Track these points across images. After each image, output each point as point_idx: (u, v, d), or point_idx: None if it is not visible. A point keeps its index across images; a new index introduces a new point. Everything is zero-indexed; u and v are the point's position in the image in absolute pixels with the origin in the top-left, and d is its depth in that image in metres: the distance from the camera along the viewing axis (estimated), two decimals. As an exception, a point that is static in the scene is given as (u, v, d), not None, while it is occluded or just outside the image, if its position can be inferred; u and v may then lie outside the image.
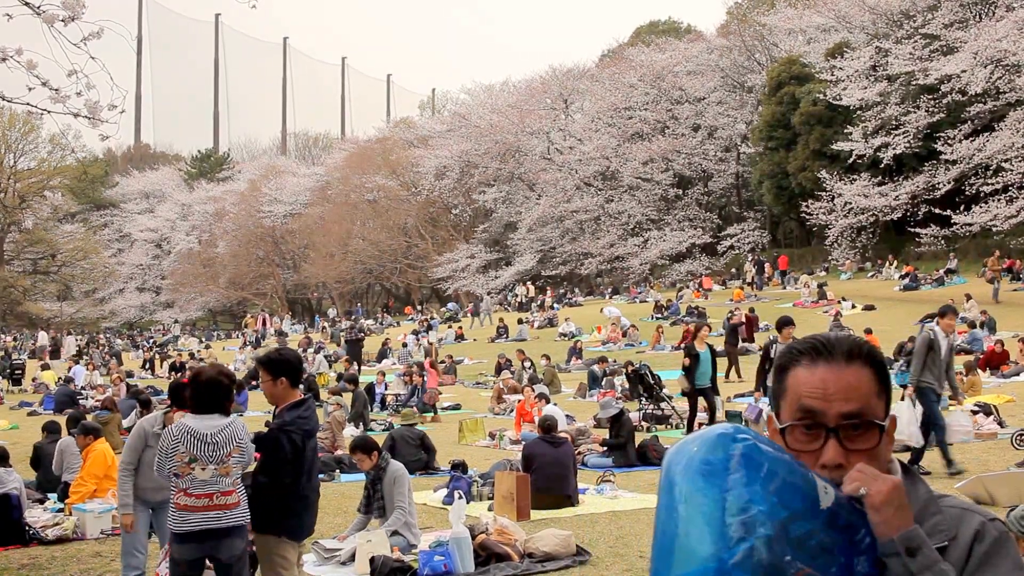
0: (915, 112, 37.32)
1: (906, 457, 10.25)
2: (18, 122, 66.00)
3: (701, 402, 14.67)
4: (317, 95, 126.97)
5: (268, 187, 72.34)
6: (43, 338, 49.80)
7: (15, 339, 56.40)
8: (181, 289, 74.45)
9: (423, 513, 9.30)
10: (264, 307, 68.10)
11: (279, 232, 71.96)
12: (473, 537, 7.52)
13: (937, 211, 36.59)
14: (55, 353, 42.93)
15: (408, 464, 10.69)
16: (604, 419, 13.90)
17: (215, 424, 5.17)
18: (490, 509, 9.53)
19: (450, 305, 54.67)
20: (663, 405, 16.77)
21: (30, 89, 7.15)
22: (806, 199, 41.09)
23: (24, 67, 6.97)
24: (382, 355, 34.59)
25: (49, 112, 7.28)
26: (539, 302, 47.24)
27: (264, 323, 54.39)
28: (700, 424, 14.29)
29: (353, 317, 51.25)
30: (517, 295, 50.94)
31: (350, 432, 16.04)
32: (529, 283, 52.01)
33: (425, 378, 22.44)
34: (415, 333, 39.42)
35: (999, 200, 34.44)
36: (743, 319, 28.50)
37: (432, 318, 46.13)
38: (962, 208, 35.77)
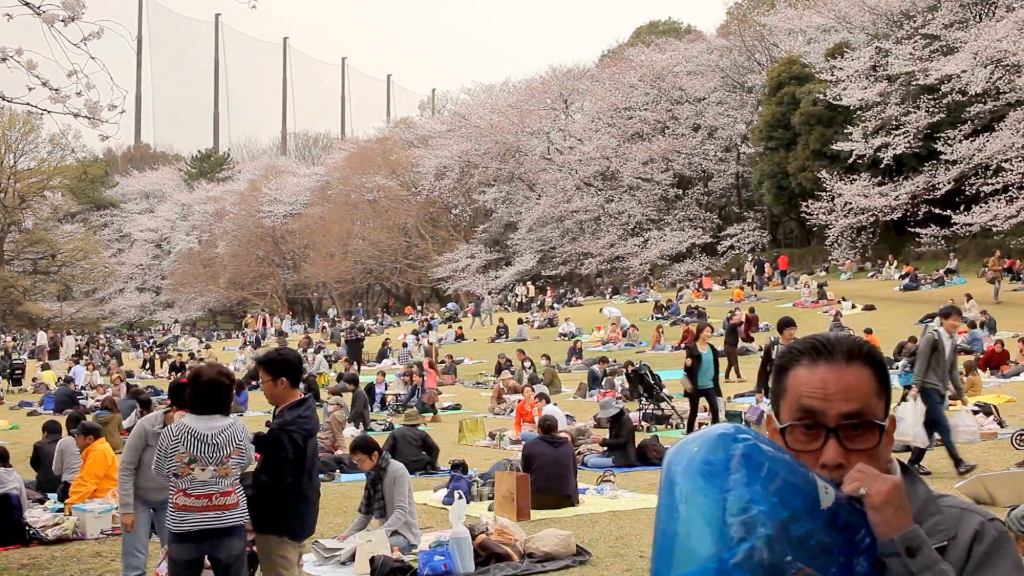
0: (915, 112, 37.32)
1: (907, 457, 10.26)
2: (18, 122, 66.01)
3: (702, 403, 14.65)
4: (317, 95, 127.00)
5: (268, 187, 72.34)
6: (42, 338, 49.80)
7: (14, 339, 56.40)
8: (181, 289, 74.45)
9: (423, 513, 9.30)
10: (264, 307, 68.10)
11: (279, 232, 71.96)
12: (473, 537, 7.52)
13: (937, 211, 36.60)
14: (54, 353, 42.96)
15: (409, 464, 10.70)
16: (604, 419, 13.90)
17: (215, 425, 5.17)
18: (490, 509, 9.53)
19: (450, 305, 54.68)
20: (663, 405, 16.77)
21: (30, 89, 7.15)
22: (806, 199, 41.10)
23: (24, 67, 6.97)
24: (382, 355, 34.60)
25: (49, 112, 7.29)
26: (539, 302, 47.24)
27: (264, 323, 54.40)
28: (701, 425, 14.28)
29: (353, 317, 51.26)
30: (517, 295, 50.95)
31: (350, 432, 16.04)
32: (529, 283, 52.02)
33: (425, 378, 22.44)
34: (415, 333, 39.43)
35: (999, 200, 34.45)
36: (743, 319, 28.50)
37: (432, 318, 46.14)
38: (962, 208, 35.77)
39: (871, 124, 38.27)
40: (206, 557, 5.19)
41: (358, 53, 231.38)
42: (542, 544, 7.59)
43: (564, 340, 33.42)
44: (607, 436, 13.10)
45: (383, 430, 17.17)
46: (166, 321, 71.71)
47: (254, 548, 6.06)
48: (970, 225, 35.23)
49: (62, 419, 13.33)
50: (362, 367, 29.87)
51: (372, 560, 7.35)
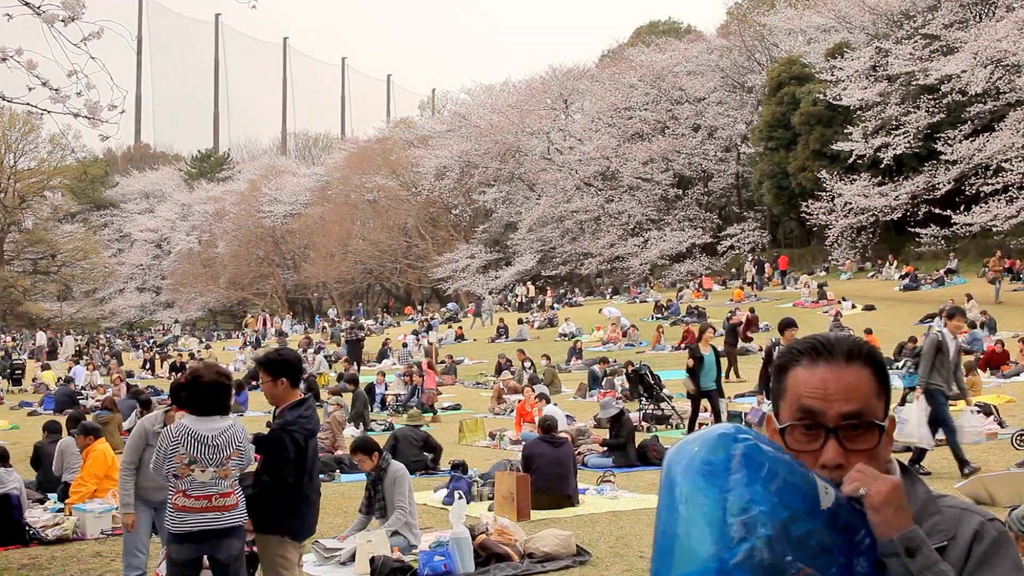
0: (915, 112, 37.33)
1: (907, 457, 10.25)
2: (18, 122, 66.01)
3: (703, 403, 14.64)
4: (317, 95, 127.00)
5: (268, 187, 72.34)
6: (41, 338, 49.81)
7: (14, 339, 56.40)
8: (181, 289, 74.45)
9: (423, 513, 9.30)
10: (264, 307, 68.09)
11: (279, 232, 71.96)
12: (473, 537, 7.52)
13: (937, 211, 36.60)
14: (52, 354, 42.95)
15: (410, 464, 10.70)
16: (604, 419, 13.90)
17: (215, 426, 5.17)
18: (490, 509, 9.53)
19: (450, 305, 54.67)
20: (663, 405, 16.76)
21: (30, 89, 7.15)
22: (806, 199, 41.10)
23: (24, 67, 6.97)
24: (382, 355, 34.60)
25: (49, 112, 7.29)
26: (539, 302, 47.25)
27: (265, 323, 54.38)
28: (702, 425, 14.27)
29: (353, 317, 51.25)
30: (517, 295, 50.96)
31: (350, 432, 16.04)
32: (529, 283, 52.03)
33: (424, 378, 22.44)
34: (415, 333, 39.43)
35: (999, 200, 34.45)
36: (742, 319, 28.50)
37: (432, 318, 46.13)
38: (962, 208, 35.78)
39: (871, 124, 38.27)
40: (205, 557, 5.20)
41: (358, 53, 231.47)
42: (542, 544, 7.59)
43: (564, 340, 33.42)
44: (607, 436, 13.10)
45: (383, 430, 17.17)
46: (166, 321, 71.72)
47: (254, 548, 6.07)
48: (970, 225, 35.24)
49: (62, 419, 13.32)
50: (362, 367, 29.86)
51: (372, 560, 7.35)
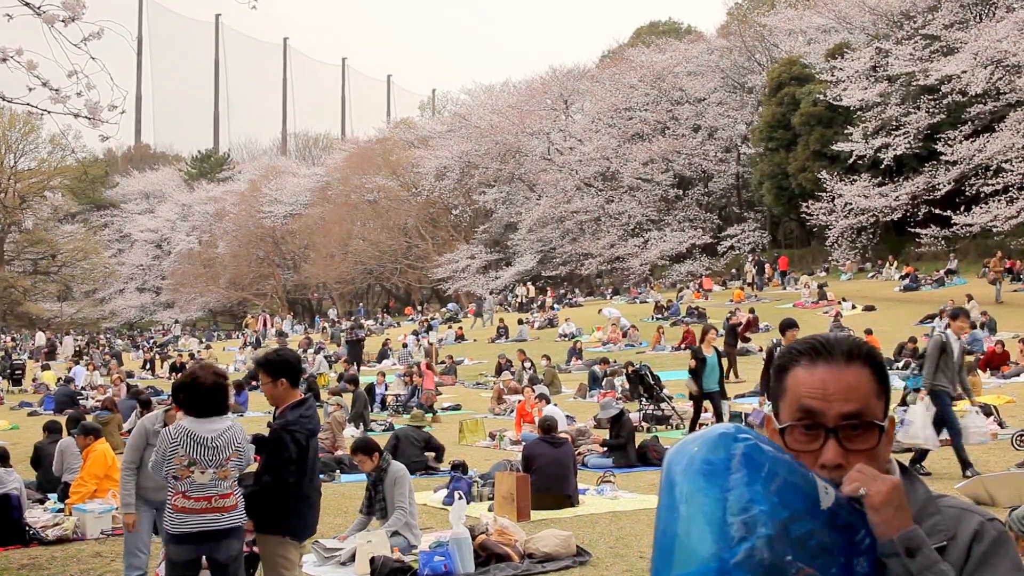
0: (915, 113, 37.33)
1: (908, 458, 10.24)
2: (18, 122, 66.02)
3: (705, 404, 14.60)
4: (317, 95, 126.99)
5: (268, 187, 72.35)
6: (40, 339, 49.79)
7: (13, 339, 56.40)
8: (181, 289, 74.45)
9: (423, 513, 9.29)
10: (264, 308, 68.08)
11: (279, 232, 71.97)
12: (473, 537, 7.52)
13: (937, 212, 36.61)
14: (51, 354, 42.93)
15: (410, 464, 10.71)
16: (604, 419, 13.90)
17: (214, 428, 5.17)
18: (490, 509, 9.54)
19: (450, 305, 54.66)
20: (663, 405, 16.76)
21: (30, 89, 7.15)
22: (806, 200, 41.10)
23: (24, 67, 6.97)
24: (382, 355, 34.60)
25: (49, 112, 7.29)
26: (539, 303, 47.25)
27: (265, 324, 54.37)
28: (702, 426, 14.26)
29: (354, 318, 51.25)
30: (517, 296, 50.97)
31: (350, 432, 16.05)
32: (529, 284, 52.04)
33: (423, 379, 22.45)
34: (415, 333, 39.43)
35: (999, 201, 34.46)
36: (742, 320, 28.52)
37: (432, 318, 46.14)
38: (962, 209, 35.79)
39: (871, 125, 38.28)
40: (204, 558, 5.19)
41: (358, 53, 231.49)
42: (542, 545, 7.59)
43: (564, 341, 33.42)
44: (607, 436, 13.10)
45: (383, 430, 17.18)
46: (166, 321, 71.73)
47: (253, 548, 6.06)
48: (970, 226, 35.24)
49: (62, 419, 13.33)
50: (362, 367, 29.86)
51: (372, 560, 7.35)
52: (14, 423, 21.43)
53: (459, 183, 59.63)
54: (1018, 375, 20.04)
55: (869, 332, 22.80)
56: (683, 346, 28.50)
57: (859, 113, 38.98)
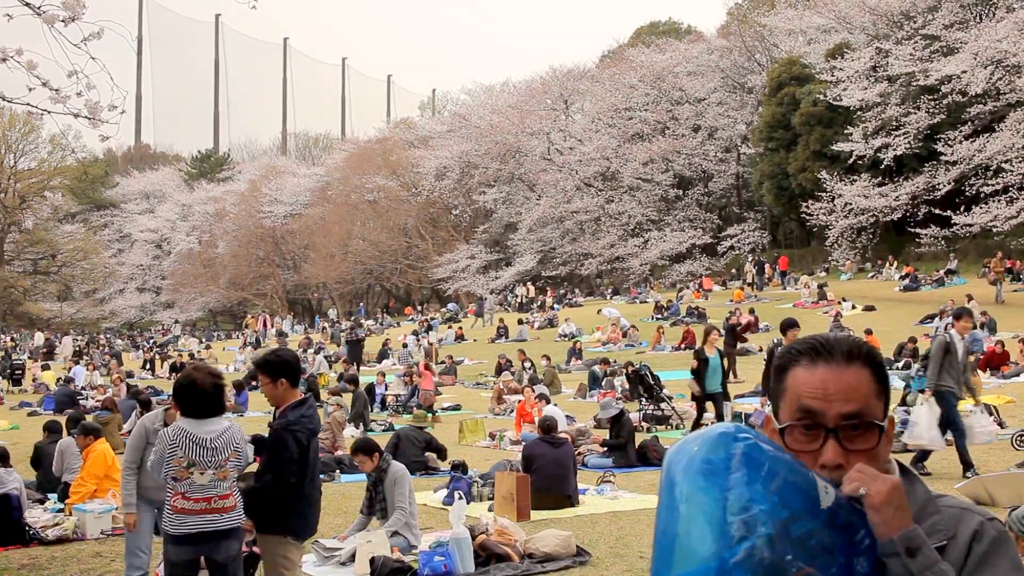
0: (915, 113, 37.33)
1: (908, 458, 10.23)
2: (18, 122, 66.01)
3: (706, 405, 14.58)
4: (317, 95, 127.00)
5: (268, 187, 72.35)
6: (39, 339, 49.78)
7: (12, 340, 56.40)
8: (181, 289, 74.46)
9: (423, 513, 9.29)
10: (264, 308, 68.08)
11: (279, 232, 71.97)
12: (473, 538, 7.52)
13: (937, 212, 36.61)
14: (49, 354, 42.92)
15: (411, 464, 10.71)
16: (604, 419, 13.89)
17: (213, 429, 5.16)
18: (490, 510, 9.54)
19: (450, 306, 54.67)
20: (663, 406, 16.76)
21: (30, 89, 7.15)
22: (806, 200, 41.10)
23: (24, 67, 6.97)
24: (382, 355, 34.61)
25: (49, 112, 7.29)
26: (539, 303, 47.25)
27: (265, 324, 54.36)
28: (703, 427, 14.25)
29: (354, 318, 51.26)
30: (517, 296, 50.97)
31: (350, 433, 16.05)
32: (529, 284, 52.04)
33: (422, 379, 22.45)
34: (415, 334, 39.43)
35: (999, 201, 34.46)
36: (741, 320, 28.51)
37: (432, 319, 46.14)
38: (962, 209, 35.79)
39: (871, 125, 38.28)
40: (202, 558, 5.19)
41: (358, 53, 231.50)
42: (542, 545, 7.59)
43: (564, 341, 33.43)
44: (607, 437, 13.10)
45: (383, 431, 17.18)
46: (166, 321, 71.74)
47: (253, 548, 6.06)
48: (970, 226, 35.24)
49: (62, 419, 13.32)
50: (362, 367, 29.85)
51: (372, 560, 7.35)
52: (14, 423, 21.43)
53: (459, 183, 59.64)
54: (1018, 375, 20.05)
55: (869, 332, 22.81)
56: (683, 346, 28.52)
57: (859, 113, 38.98)
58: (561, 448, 10.19)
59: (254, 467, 5.72)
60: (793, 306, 34.63)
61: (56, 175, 72.20)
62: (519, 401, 17.91)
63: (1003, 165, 34.26)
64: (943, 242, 37.78)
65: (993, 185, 34.53)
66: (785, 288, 41.28)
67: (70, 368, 31.37)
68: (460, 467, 11.39)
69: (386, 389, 23.03)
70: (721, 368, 14.47)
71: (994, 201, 34.59)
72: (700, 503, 1.43)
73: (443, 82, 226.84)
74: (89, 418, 13.29)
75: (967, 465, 10.10)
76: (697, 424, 14.54)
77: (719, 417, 14.25)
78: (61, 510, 9.89)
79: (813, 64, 42.92)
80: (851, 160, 38.77)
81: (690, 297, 40.57)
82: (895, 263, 39.65)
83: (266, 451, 5.32)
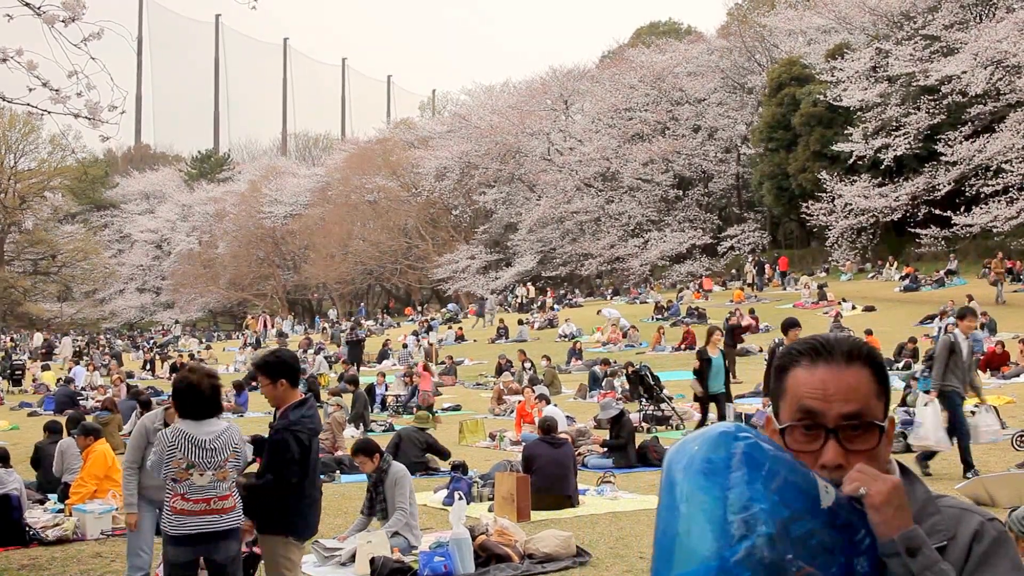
0: (915, 113, 37.33)
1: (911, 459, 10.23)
2: (18, 123, 65.99)
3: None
4: (317, 96, 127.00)
5: (268, 188, 72.35)
6: (37, 339, 49.76)
7: (11, 340, 56.40)
8: (181, 290, 74.47)
9: (423, 514, 9.29)
10: (265, 308, 68.08)
11: (279, 233, 71.96)
12: (473, 538, 7.52)
13: (937, 212, 36.60)
14: (48, 355, 42.91)
15: (411, 464, 10.72)
16: (604, 420, 13.89)
17: (212, 430, 5.16)
18: (490, 510, 9.54)
19: (450, 306, 54.66)
20: (663, 406, 16.76)
21: (30, 90, 7.15)
22: (806, 200, 41.10)
23: (24, 68, 6.97)
24: (382, 356, 34.61)
25: (49, 113, 7.28)
26: (539, 303, 47.25)
27: (265, 324, 54.35)
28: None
29: (354, 318, 51.26)
30: (517, 296, 50.97)
31: (350, 433, 16.05)
32: (529, 284, 52.04)
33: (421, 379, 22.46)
34: (415, 334, 39.43)
35: (999, 201, 34.47)
36: (740, 320, 28.50)
37: (432, 319, 46.13)
38: (962, 209, 35.79)
39: (871, 125, 38.28)
40: (202, 559, 5.19)
41: (358, 53, 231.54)
42: (542, 545, 7.59)
43: (564, 341, 33.43)
44: (607, 437, 13.10)
45: (383, 431, 17.18)
46: (166, 322, 71.74)
47: (253, 549, 6.06)
48: (970, 226, 35.23)
49: (63, 420, 13.32)
50: (362, 368, 29.85)
51: (372, 561, 7.35)
52: (14, 423, 21.43)
53: (459, 183, 59.64)
54: (1018, 375, 20.05)
55: (869, 333, 22.80)
56: (683, 347, 28.52)
57: (859, 113, 38.99)
58: (561, 448, 10.19)
59: (254, 467, 5.71)
60: (793, 307, 34.62)
61: (56, 175, 72.19)
62: (519, 401, 17.92)
63: (1003, 165, 34.26)
64: (943, 242, 37.79)
65: (993, 185, 34.53)
66: (785, 288, 41.28)
67: (70, 368, 31.38)
68: (460, 467, 11.39)
69: (386, 390, 23.04)
70: (725, 369, 14.45)
71: (994, 201, 34.59)
72: (700, 502, 1.43)
73: (443, 82, 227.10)
74: (89, 418, 13.28)
75: (968, 465, 10.10)
76: (702, 426, 14.52)
77: (721, 418, 14.22)
78: (61, 510, 9.89)
79: (813, 64, 42.93)
80: (851, 160, 38.78)
81: (690, 298, 40.57)
82: (895, 263, 39.65)
83: (267, 451, 5.32)
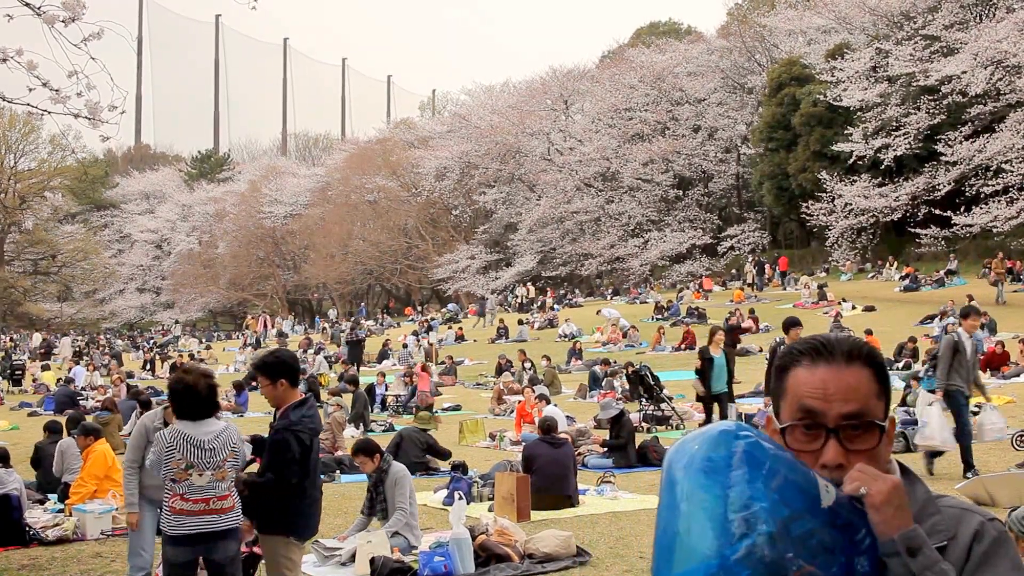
0: (915, 113, 37.32)
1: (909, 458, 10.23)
2: (18, 123, 66.00)
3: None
4: (317, 96, 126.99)
5: (268, 188, 72.36)
6: (36, 339, 49.75)
7: (12, 340, 56.40)
8: (181, 290, 74.47)
9: (423, 514, 9.29)
10: (265, 308, 68.08)
11: (279, 233, 71.97)
12: (473, 538, 7.52)
13: (937, 212, 36.60)
14: (47, 355, 42.89)
15: (412, 464, 10.72)
16: (604, 420, 13.89)
17: (210, 430, 5.16)
18: (490, 510, 9.54)
19: (450, 306, 54.66)
20: (663, 406, 16.76)
21: (30, 90, 7.14)
22: (806, 200, 41.09)
23: (24, 68, 6.97)
24: (382, 356, 34.60)
25: (49, 113, 7.28)
26: (539, 303, 47.24)
27: (265, 324, 54.35)
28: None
29: (354, 318, 51.26)
30: (517, 296, 50.97)
31: (350, 433, 16.05)
32: (529, 284, 52.04)
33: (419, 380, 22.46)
34: (415, 334, 39.43)
35: (999, 201, 34.46)
36: (739, 321, 28.50)
37: (432, 319, 46.13)
38: (962, 209, 35.78)
39: (871, 125, 38.27)
40: (201, 559, 5.19)
41: (358, 53, 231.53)
42: (542, 545, 7.59)
43: (564, 341, 33.43)
44: (607, 437, 13.10)
45: (383, 431, 17.19)
46: (166, 322, 71.73)
47: (253, 549, 6.06)
48: (970, 226, 35.23)
49: (63, 420, 13.32)
50: (362, 368, 29.85)
51: (372, 561, 7.35)
52: (14, 423, 21.43)
53: (459, 183, 59.64)
54: (1018, 375, 20.05)
55: (869, 332, 22.80)
56: (683, 347, 28.52)
57: (859, 113, 38.99)
58: (561, 448, 10.19)
59: (253, 467, 5.71)
60: (793, 306, 34.61)
61: (56, 175, 72.19)
62: (519, 401, 17.92)
63: (1003, 165, 34.26)
64: (943, 242, 37.78)
65: (993, 185, 34.52)
66: (785, 288, 41.28)
67: (70, 368, 31.38)
68: (460, 467, 11.39)
69: (386, 389, 23.04)
70: (727, 369, 14.43)
71: (994, 201, 34.58)
72: (701, 501, 1.43)
73: (443, 82, 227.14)
74: (89, 418, 13.28)
75: (968, 465, 10.10)
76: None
77: (723, 418, 14.21)
78: (61, 510, 9.89)
79: (813, 64, 42.93)
80: (851, 160, 38.77)
81: (690, 298, 40.57)
82: (895, 263, 39.65)
83: (268, 451, 5.32)
